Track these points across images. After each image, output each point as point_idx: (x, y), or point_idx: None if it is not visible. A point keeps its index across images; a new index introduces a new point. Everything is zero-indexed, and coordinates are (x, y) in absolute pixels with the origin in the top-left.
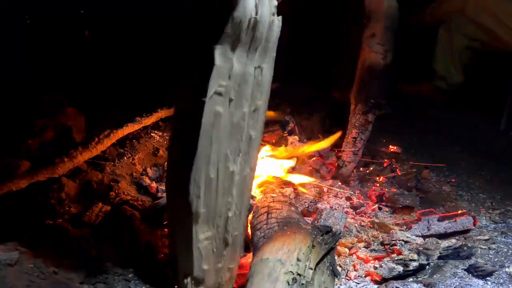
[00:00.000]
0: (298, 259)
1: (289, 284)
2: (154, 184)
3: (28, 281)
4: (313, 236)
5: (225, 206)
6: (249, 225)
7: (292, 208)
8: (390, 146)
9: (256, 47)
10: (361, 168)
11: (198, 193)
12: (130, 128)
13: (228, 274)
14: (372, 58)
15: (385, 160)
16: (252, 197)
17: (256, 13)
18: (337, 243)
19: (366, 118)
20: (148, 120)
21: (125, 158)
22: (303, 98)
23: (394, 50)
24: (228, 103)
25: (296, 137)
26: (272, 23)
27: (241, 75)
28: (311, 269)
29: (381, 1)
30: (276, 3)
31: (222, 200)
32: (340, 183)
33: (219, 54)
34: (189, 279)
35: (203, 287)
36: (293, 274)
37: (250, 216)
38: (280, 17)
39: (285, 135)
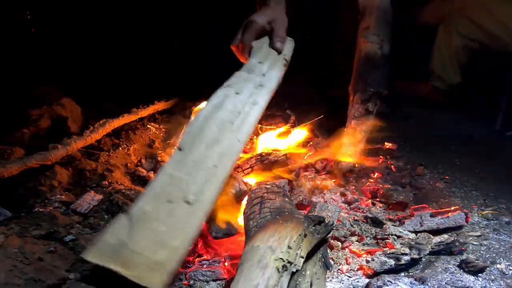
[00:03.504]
0: (289, 247)
1: (278, 271)
2: (152, 174)
3: (11, 266)
4: (305, 225)
5: (203, 156)
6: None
7: (286, 199)
8: (386, 143)
9: None
10: (356, 164)
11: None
12: (126, 119)
13: (163, 253)
14: (368, 48)
15: (380, 157)
16: (246, 185)
17: None
18: (329, 235)
19: (366, 107)
20: (145, 112)
21: (120, 148)
22: (300, 94)
23: (390, 41)
24: None
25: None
26: None
27: None
28: (302, 257)
29: None
30: None
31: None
32: (333, 179)
33: None
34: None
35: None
36: (283, 261)
37: (243, 207)
38: None
39: (287, 127)
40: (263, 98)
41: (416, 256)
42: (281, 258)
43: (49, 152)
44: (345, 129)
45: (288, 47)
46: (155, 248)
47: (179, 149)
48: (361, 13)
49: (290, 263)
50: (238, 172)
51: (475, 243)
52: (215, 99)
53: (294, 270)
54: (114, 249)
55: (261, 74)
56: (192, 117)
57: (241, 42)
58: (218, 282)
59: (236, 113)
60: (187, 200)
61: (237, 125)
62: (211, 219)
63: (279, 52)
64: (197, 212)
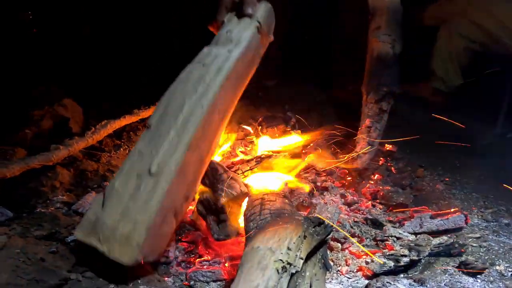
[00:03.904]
0: (288, 248)
1: (278, 273)
2: None
3: (13, 266)
4: (305, 226)
5: (168, 128)
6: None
7: (286, 201)
8: (386, 144)
9: None
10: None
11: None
12: (127, 120)
13: (128, 227)
14: (380, 48)
15: (381, 158)
16: (247, 186)
17: None
18: (329, 236)
19: (380, 106)
20: (146, 113)
21: (122, 149)
22: (300, 94)
23: (402, 40)
24: None
25: (299, 131)
26: None
27: None
28: (302, 259)
29: None
30: None
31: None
32: (333, 180)
33: None
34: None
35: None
36: (283, 262)
37: (244, 208)
38: None
39: (288, 129)
40: (229, 63)
41: (415, 258)
42: (280, 260)
43: (51, 153)
44: (359, 128)
45: (261, 11)
46: (123, 222)
47: (148, 127)
48: (371, 13)
49: (290, 264)
50: (238, 174)
51: (475, 244)
52: (181, 75)
53: (294, 271)
54: (93, 225)
55: (229, 41)
56: None
57: (215, 21)
58: (218, 282)
59: (201, 82)
60: (151, 172)
61: (200, 92)
62: (213, 221)
63: (250, 16)
64: (161, 183)
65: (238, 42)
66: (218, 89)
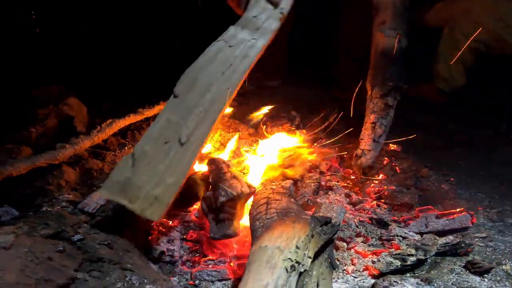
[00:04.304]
0: (297, 247)
1: (287, 271)
2: None
3: (22, 265)
4: (312, 225)
5: (195, 102)
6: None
7: (292, 200)
8: (390, 144)
9: None
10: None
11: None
12: (132, 119)
13: (159, 188)
14: (385, 42)
15: (385, 158)
16: (250, 187)
17: None
18: (335, 235)
19: (386, 101)
20: (150, 112)
21: (126, 148)
22: (302, 95)
23: (408, 35)
24: None
25: (304, 131)
26: None
27: None
28: (310, 257)
29: None
30: None
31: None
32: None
33: None
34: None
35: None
36: (292, 261)
37: (248, 208)
38: None
39: (293, 128)
40: (254, 51)
41: (422, 257)
42: (289, 258)
43: (57, 152)
44: (364, 125)
45: (286, 0)
46: (154, 184)
47: (175, 96)
48: (375, 8)
49: (298, 263)
50: (244, 174)
51: (481, 244)
52: (209, 52)
53: (302, 270)
54: (121, 185)
55: (255, 29)
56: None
57: None
58: (224, 282)
59: (227, 64)
60: (181, 141)
61: (227, 75)
62: (212, 220)
63: (276, 5)
64: (189, 152)
65: (263, 33)
66: (242, 75)
